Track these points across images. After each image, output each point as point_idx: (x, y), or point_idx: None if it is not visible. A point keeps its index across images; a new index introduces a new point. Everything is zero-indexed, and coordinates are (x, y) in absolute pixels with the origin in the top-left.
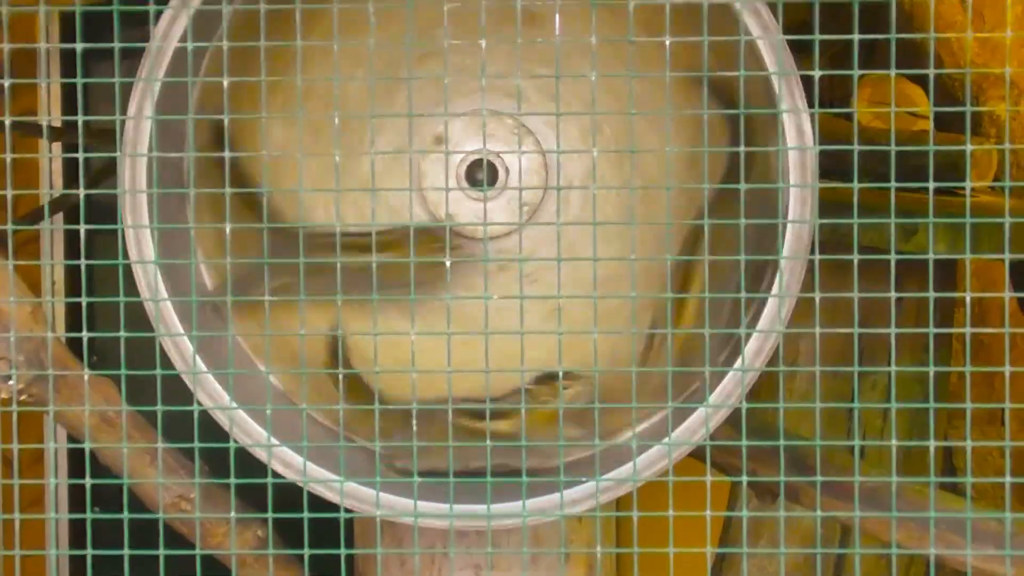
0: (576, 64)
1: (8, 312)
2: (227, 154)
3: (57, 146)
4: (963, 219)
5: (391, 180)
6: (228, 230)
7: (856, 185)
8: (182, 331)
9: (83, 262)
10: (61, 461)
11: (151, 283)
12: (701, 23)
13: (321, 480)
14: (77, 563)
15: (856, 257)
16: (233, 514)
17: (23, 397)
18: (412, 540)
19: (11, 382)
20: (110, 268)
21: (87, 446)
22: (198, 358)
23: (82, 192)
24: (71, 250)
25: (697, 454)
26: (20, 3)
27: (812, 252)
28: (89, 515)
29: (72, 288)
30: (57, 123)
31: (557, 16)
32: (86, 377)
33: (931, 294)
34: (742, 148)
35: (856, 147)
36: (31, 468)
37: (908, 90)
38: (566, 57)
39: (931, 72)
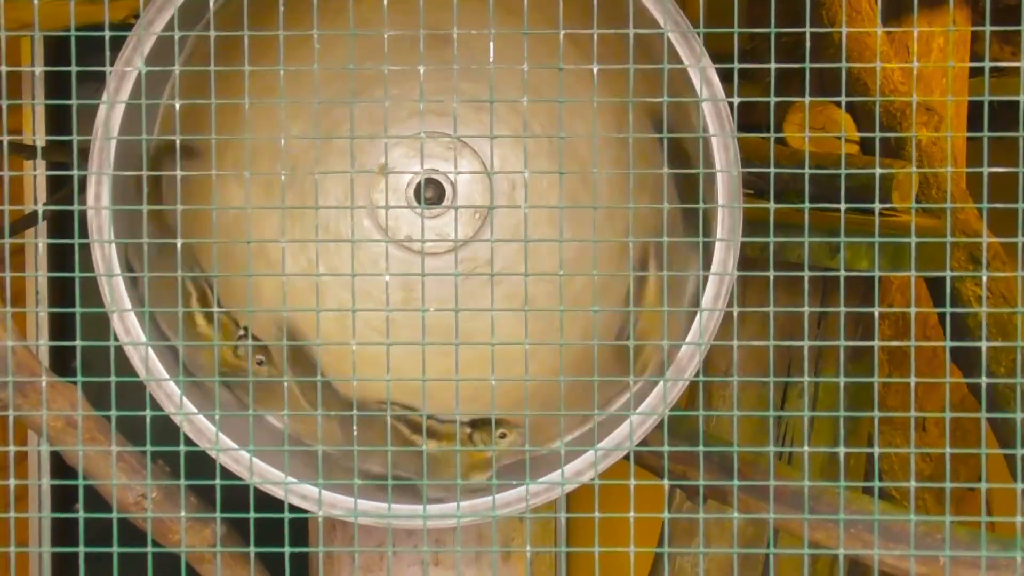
0: (519, 89)
1: None
2: (179, 172)
3: (42, 164)
4: (873, 238)
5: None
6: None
7: (772, 205)
8: (148, 341)
9: (39, 274)
10: (45, 463)
11: (116, 293)
12: (631, 55)
13: (268, 481)
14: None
15: (772, 274)
16: (183, 514)
17: None
18: (368, 540)
19: None
20: (92, 279)
21: (44, 448)
22: (161, 367)
23: (76, 208)
24: (56, 261)
25: (642, 460)
26: (12, 29)
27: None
28: (43, 514)
29: (55, 298)
30: (42, 142)
31: (491, 44)
32: (43, 384)
33: (842, 309)
34: (665, 170)
35: (772, 169)
36: (17, 467)
37: (836, 116)
38: (507, 82)
39: (878, 99)
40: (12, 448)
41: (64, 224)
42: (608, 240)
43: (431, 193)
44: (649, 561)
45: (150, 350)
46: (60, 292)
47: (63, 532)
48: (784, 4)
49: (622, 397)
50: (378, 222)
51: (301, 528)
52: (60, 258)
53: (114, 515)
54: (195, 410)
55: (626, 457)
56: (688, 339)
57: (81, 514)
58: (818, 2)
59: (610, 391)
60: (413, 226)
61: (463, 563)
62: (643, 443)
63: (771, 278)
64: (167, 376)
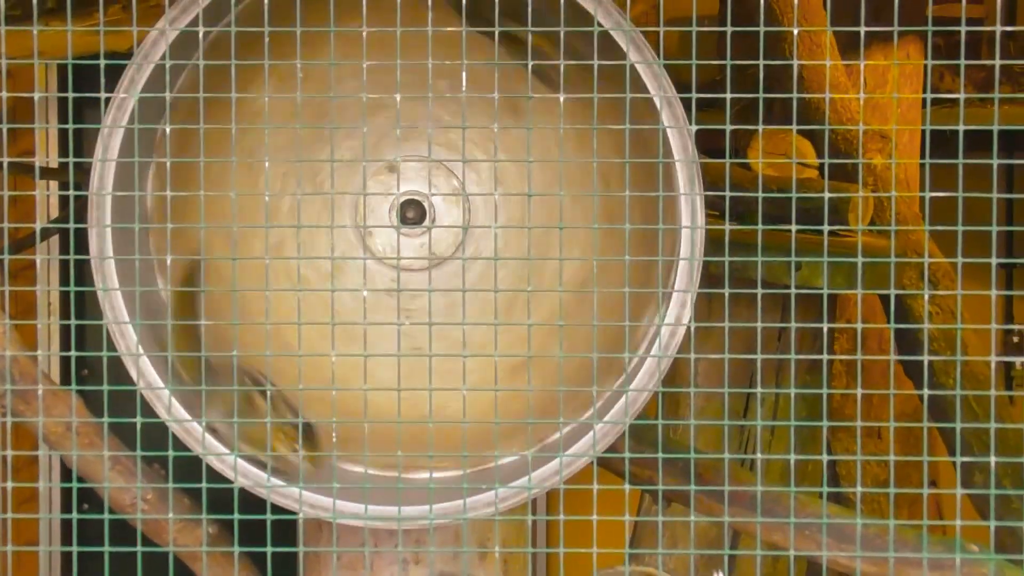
0: (504, 116)
1: None
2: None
3: (54, 183)
4: (822, 258)
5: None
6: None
7: (727, 227)
8: (140, 350)
9: (39, 288)
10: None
11: (115, 306)
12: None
13: (252, 483)
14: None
15: (727, 291)
16: (171, 515)
17: None
18: (353, 540)
19: None
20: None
21: (41, 453)
22: (155, 375)
23: (72, 226)
24: (66, 275)
25: (612, 466)
26: (17, 56)
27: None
28: (45, 515)
29: (65, 311)
30: (53, 164)
31: (463, 74)
32: (40, 392)
33: (792, 324)
34: (627, 192)
35: (727, 193)
36: (28, 469)
37: (798, 143)
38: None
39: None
40: (10, 452)
41: (77, 240)
42: (574, 259)
43: (412, 213)
44: (620, 562)
45: (145, 359)
46: (75, 304)
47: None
48: (747, 39)
49: (590, 407)
50: (363, 241)
51: (291, 528)
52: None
53: (106, 516)
54: (187, 416)
55: (598, 463)
56: (652, 352)
57: (75, 515)
58: (779, 36)
59: (581, 400)
60: (401, 245)
61: (442, 561)
62: (611, 449)
63: (726, 295)
64: (161, 384)
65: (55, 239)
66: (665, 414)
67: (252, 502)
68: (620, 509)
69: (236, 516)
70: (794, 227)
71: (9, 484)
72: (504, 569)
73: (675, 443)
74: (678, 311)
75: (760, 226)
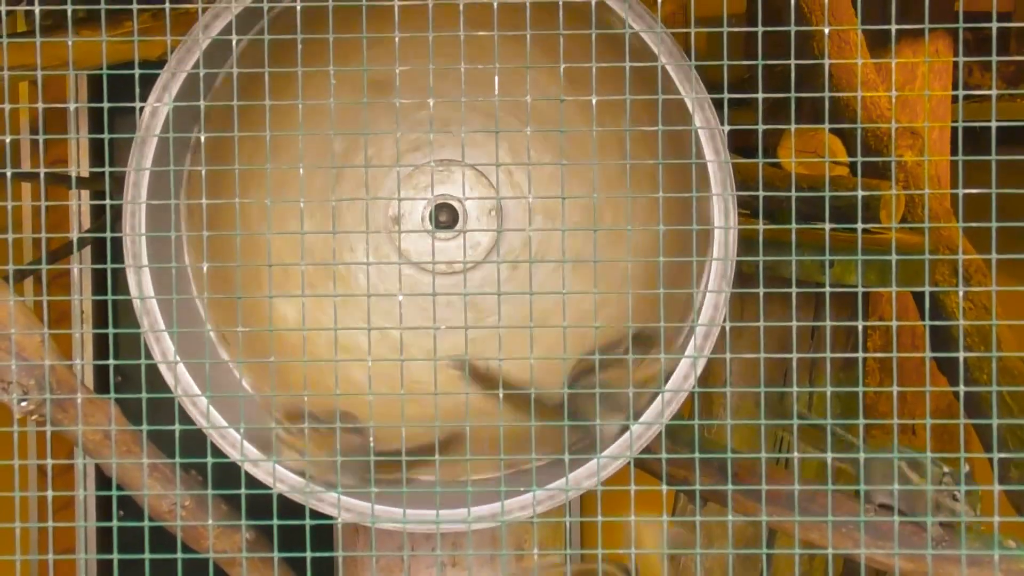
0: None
1: (20, 343)
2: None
3: (85, 193)
4: (856, 256)
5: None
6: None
7: (761, 226)
8: (178, 359)
9: (74, 297)
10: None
11: (150, 314)
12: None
13: (291, 489)
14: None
15: (761, 291)
16: (211, 522)
17: (35, 417)
18: (390, 543)
19: (23, 403)
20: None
21: (79, 461)
22: (193, 383)
23: (109, 235)
24: (99, 285)
25: (648, 467)
26: (51, 67)
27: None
28: (82, 523)
29: (99, 319)
30: (85, 173)
31: (496, 78)
32: (79, 401)
33: (828, 323)
34: (661, 194)
35: (760, 193)
36: (61, 477)
37: (829, 141)
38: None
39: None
40: (50, 461)
41: (112, 250)
42: (609, 260)
43: (445, 217)
44: (658, 563)
45: (181, 367)
46: (106, 313)
47: (110, 539)
48: (777, 37)
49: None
50: (396, 245)
51: (329, 533)
52: (105, 281)
53: (146, 523)
54: (224, 423)
55: (634, 464)
56: (687, 352)
57: (115, 523)
58: (808, 35)
59: (617, 402)
60: (426, 246)
61: (479, 564)
62: (647, 450)
63: (761, 295)
64: (199, 392)
65: (87, 250)
66: (700, 415)
67: (290, 508)
68: (656, 510)
69: (275, 522)
70: (828, 225)
71: (50, 493)
72: (544, 572)
73: (710, 443)
74: (712, 312)
75: (793, 224)
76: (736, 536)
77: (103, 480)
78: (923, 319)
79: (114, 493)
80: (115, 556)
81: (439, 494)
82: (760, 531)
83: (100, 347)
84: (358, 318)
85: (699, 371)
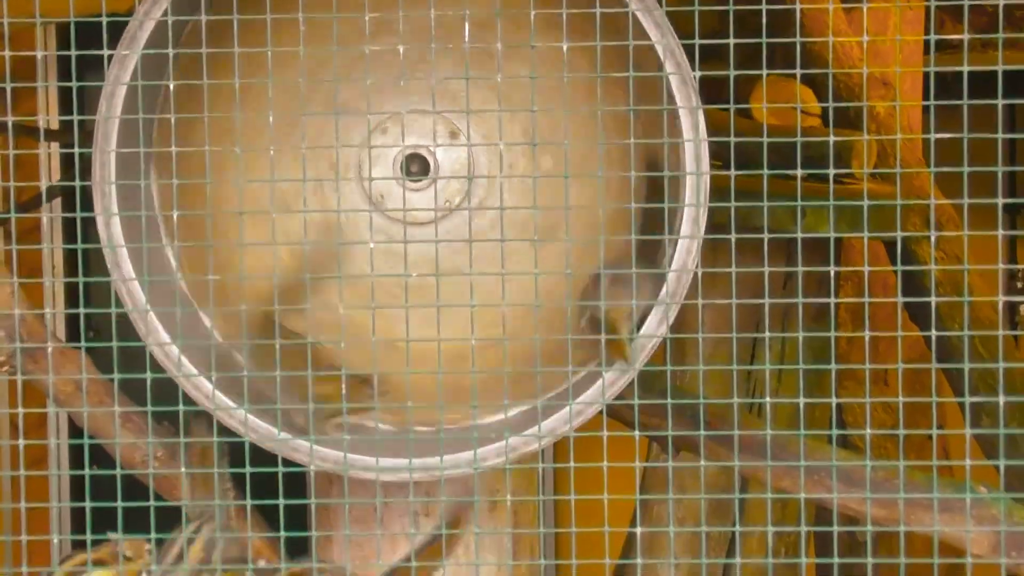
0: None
1: None
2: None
3: (55, 144)
4: (826, 203)
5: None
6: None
7: (733, 172)
8: (148, 307)
9: (46, 246)
10: (63, 423)
11: (121, 263)
12: (595, 30)
13: (262, 437)
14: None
15: (733, 236)
16: (183, 469)
17: (5, 368)
18: (363, 493)
19: None
20: (101, 252)
21: (51, 410)
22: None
23: (78, 184)
24: (69, 236)
25: (620, 415)
26: (18, 16)
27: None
28: (57, 472)
29: (70, 270)
30: (55, 124)
31: (466, 25)
32: (49, 350)
33: (800, 268)
34: (632, 140)
35: (732, 139)
36: (35, 431)
37: (800, 91)
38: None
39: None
40: (21, 410)
41: (81, 201)
42: (581, 206)
43: (416, 167)
44: (631, 508)
45: (152, 315)
46: (76, 264)
47: (83, 489)
48: None
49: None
50: (367, 194)
51: (302, 482)
52: (75, 233)
53: (118, 471)
54: (194, 371)
55: (605, 412)
56: (659, 300)
57: (87, 471)
58: None
59: (587, 351)
60: (397, 197)
61: (451, 513)
62: (619, 398)
63: (732, 241)
64: (168, 340)
65: (58, 202)
66: (672, 364)
67: (263, 457)
68: (629, 457)
69: (248, 470)
70: (799, 171)
71: (21, 442)
72: (515, 519)
73: (682, 391)
74: (684, 258)
75: (765, 171)
76: (708, 485)
77: (76, 431)
78: (895, 267)
79: (86, 442)
80: (87, 504)
81: (412, 441)
82: (732, 479)
83: (71, 298)
84: (331, 269)
85: (672, 318)
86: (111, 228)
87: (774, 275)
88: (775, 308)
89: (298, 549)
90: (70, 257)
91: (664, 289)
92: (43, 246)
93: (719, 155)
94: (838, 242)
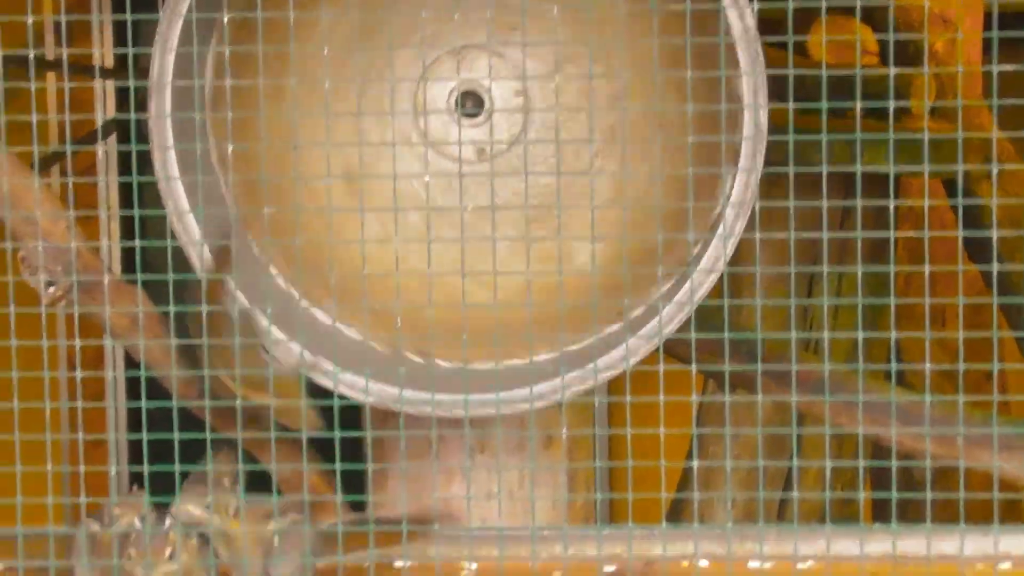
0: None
1: (46, 228)
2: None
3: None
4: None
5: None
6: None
7: (791, 105)
8: (202, 239)
9: (101, 179)
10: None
11: (175, 196)
12: None
13: (317, 371)
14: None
15: (791, 169)
16: (239, 402)
17: (62, 303)
18: (414, 427)
19: (50, 288)
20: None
21: (108, 343)
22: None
23: (132, 117)
24: (126, 170)
25: (675, 352)
26: None
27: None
28: (115, 404)
29: (125, 205)
30: (109, 58)
31: None
32: (106, 282)
33: (859, 202)
34: (689, 73)
35: (791, 71)
36: (94, 364)
37: (861, 31)
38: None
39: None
40: (78, 342)
41: (137, 135)
42: (639, 139)
43: (470, 104)
44: (685, 445)
45: (205, 248)
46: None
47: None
48: None
49: (655, 292)
50: (420, 131)
51: (356, 419)
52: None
53: (175, 404)
54: (246, 303)
55: (662, 347)
56: (717, 234)
57: (144, 403)
58: None
59: (645, 288)
60: (454, 137)
61: (507, 451)
62: (675, 333)
63: (791, 173)
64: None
65: (113, 138)
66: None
67: (318, 392)
68: (683, 394)
69: (303, 402)
70: (859, 103)
71: (78, 373)
72: (569, 455)
73: (738, 327)
74: (742, 192)
75: (824, 103)
76: (763, 422)
77: (131, 364)
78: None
79: (143, 374)
80: (144, 436)
81: (468, 377)
82: (787, 416)
83: (126, 233)
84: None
85: (729, 252)
86: (167, 162)
87: (831, 212)
88: (832, 244)
89: (353, 485)
90: (126, 192)
91: (721, 224)
92: (99, 179)
93: (775, 94)
94: (897, 180)
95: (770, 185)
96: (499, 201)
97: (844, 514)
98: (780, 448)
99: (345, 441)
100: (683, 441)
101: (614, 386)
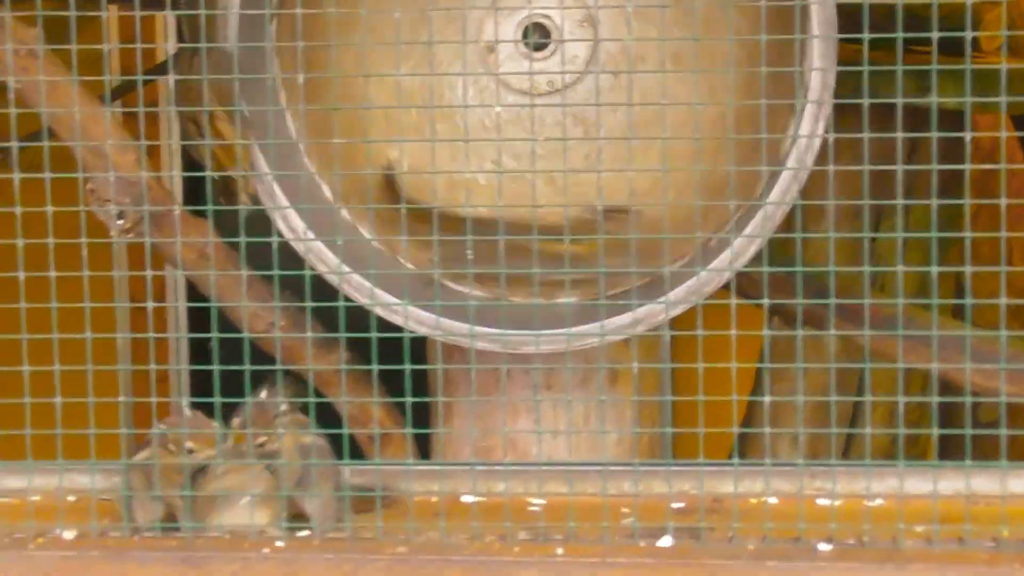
0: None
1: (116, 160)
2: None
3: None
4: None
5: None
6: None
7: (866, 36)
8: (270, 171)
9: (171, 108)
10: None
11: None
12: None
13: (386, 303)
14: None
15: (865, 101)
16: (309, 334)
17: (130, 235)
18: (481, 363)
19: (120, 220)
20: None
21: (180, 274)
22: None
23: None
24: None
25: (742, 288)
26: None
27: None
28: (180, 335)
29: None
30: None
31: None
32: (177, 213)
33: (934, 134)
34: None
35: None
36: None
37: None
38: None
39: None
40: (149, 273)
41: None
42: (706, 70)
43: (538, 37)
44: (749, 381)
45: (274, 183)
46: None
47: (200, 354)
48: None
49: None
50: (487, 63)
51: (420, 355)
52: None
53: (245, 335)
54: (312, 236)
55: (734, 281)
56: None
57: (215, 334)
58: None
59: (714, 221)
60: (516, 65)
61: (573, 386)
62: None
63: (865, 105)
64: (287, 204)
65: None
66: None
67: (385, 328)
68: (747, 329)
69: (374, 335)
70: (936, 34)
71: (150, 304)
72: (637, 390)
73: (803, 263)
74: (812, 124)
75: (900, 33)
76: (825, 359)
77: (193, 296)
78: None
79: (212, 305)
80: (216, 368)
81: (537, 311)
82: (854, 353)
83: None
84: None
85: (801, 183)
86: (234, 92)
87: (903, 147)
88: (901, 176)
89: (419, 420)
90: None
91: (791, 155)
92: (168, 108)
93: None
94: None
95: (836, 119)
96: (557, 133)
97: (908, 453)
98: (846, 386)
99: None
100: (744, 377)
101: (677, 321)
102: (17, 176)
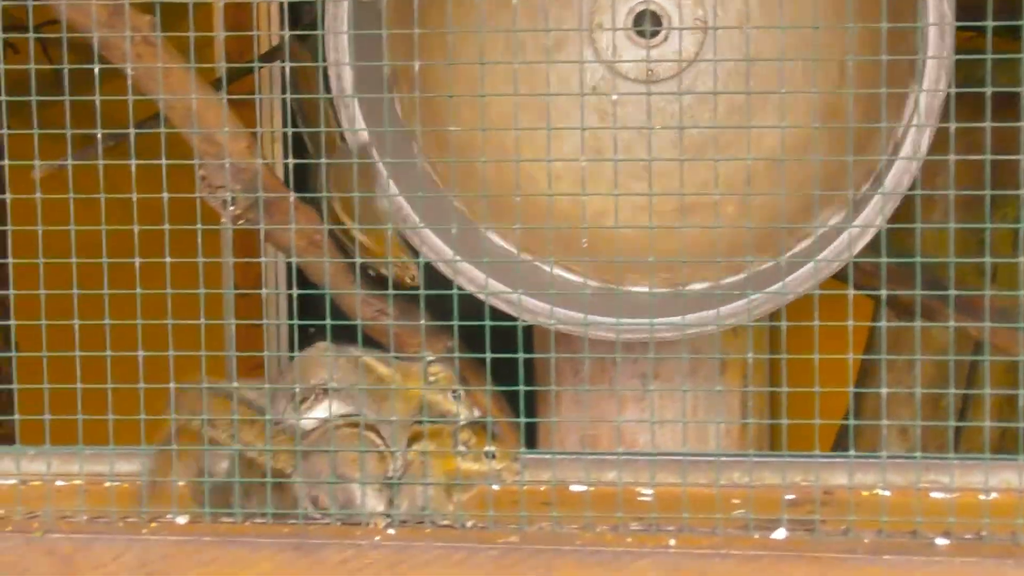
0: None
1: (228, 146)
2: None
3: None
4: None
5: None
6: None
7: (990, 23)
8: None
9: (284, 95)
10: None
11: (350, 115)
12: None
13: (499, 292)
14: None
15: (988, 90)
16: (423, 322)
17: (241, 221)
18: (585, 351)
19: (231, 207)
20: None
21: (293, 260)
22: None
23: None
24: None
25: (845, 277)
26: None
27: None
28: (288, 321)
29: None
30: None
31: None
32: (292, 199)
33: None
34: None
35: None
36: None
37: None
38: None
39: None
40: (264, 259)
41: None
42: (821, 59)
43: (649, 23)
44: (845, 372)
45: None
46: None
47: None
48: None
49: (838, 214)
50: (596, 51)
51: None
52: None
53: (359, 322)
54: (419, 223)
55: (839, 274)
56: (903, 155)
57: (328, 322)
58: None
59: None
60: (624, 53)
61: (679, 376)
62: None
63: (988, 94)
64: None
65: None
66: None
67: (495, 317)
68: (846, 319)
69: (488, 323)
70: None
71: (264, 292)
72: (744, 381)
73: (912, 253)
74: (927, 113)
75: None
76: (938, 350)
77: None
78: None
79: (327, 293)
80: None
81: (653, 300)
82: (963, 348)
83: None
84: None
85: (915, 173)
86: (342, 79)
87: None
88: (1014, 171)
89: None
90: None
91: (907, 146)
92: (283, 96)
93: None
94: None
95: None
96: (655, 123)
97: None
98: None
99: (515, 365)
100: (841, 368)
101: (790, 312)
102: (134, 163)
